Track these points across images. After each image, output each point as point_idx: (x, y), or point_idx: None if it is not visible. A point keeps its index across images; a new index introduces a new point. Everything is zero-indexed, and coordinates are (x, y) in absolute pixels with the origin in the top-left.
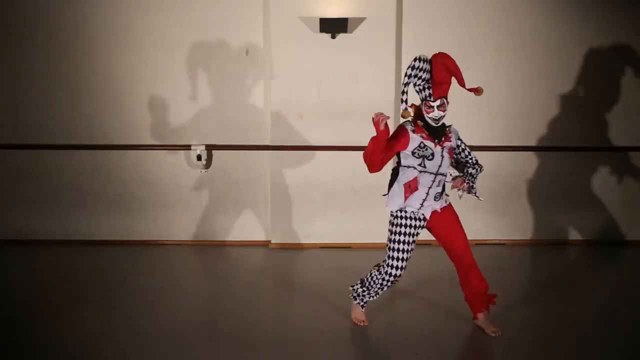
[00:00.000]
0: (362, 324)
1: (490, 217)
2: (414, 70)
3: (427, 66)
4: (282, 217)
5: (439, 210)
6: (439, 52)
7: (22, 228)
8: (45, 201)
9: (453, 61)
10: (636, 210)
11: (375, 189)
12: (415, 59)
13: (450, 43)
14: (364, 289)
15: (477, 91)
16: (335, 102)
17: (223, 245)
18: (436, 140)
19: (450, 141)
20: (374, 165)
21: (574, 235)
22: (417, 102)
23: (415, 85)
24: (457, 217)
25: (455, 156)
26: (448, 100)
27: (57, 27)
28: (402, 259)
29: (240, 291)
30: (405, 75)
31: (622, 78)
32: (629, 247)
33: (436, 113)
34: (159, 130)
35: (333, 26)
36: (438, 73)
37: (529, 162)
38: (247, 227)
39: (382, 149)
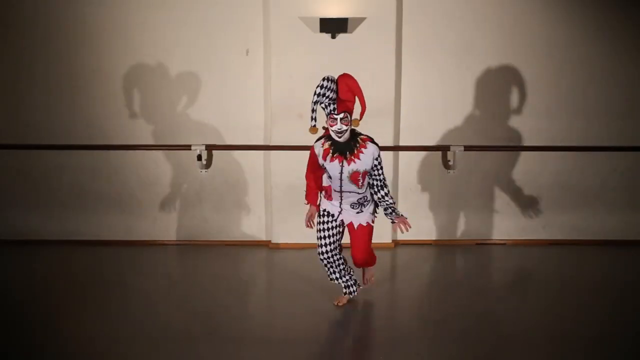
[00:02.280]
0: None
1: (490, 217)
2: (322, 89)
3: (333, 86)
4: (282, 217)
5: (355, 227)
6: (344, 73)
7: (22, 228)
8: (45, 201)
9: (355, 82)
10: (636, 210)
11: None
12: (323, 79)
13: (450, 43)
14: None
15: (355, 120)
16: None
17: (223, 245)
18: (343, 157)
19: (358, 160)
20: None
21: (574, 235)
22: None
23: (321, 103)
24: (365, 235)
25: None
26: (351, 117)
27: (57, 27)
28: (322, 245)
29: (240, 291)
30: (315, 94)
31: (622, 78)
32: (630, 247)
33: (339, 126)
34: (159, 130)
35: (333, 26)
36: (342, 91)
37: (529, 162)
38: (247, 227)
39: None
